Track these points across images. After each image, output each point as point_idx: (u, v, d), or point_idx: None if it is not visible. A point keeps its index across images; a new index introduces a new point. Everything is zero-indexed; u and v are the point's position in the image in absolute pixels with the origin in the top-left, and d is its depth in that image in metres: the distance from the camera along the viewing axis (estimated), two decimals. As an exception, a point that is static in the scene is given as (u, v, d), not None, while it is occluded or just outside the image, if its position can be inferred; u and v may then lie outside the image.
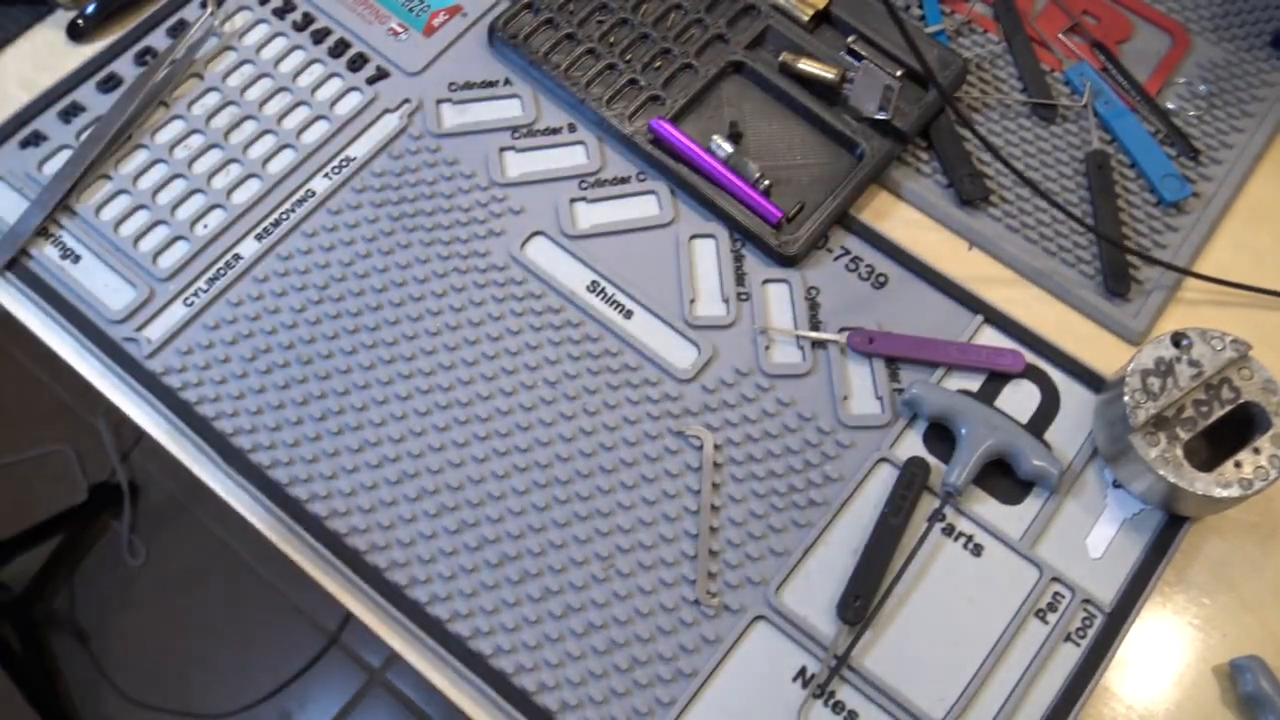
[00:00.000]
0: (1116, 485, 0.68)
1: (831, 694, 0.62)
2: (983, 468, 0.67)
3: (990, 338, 0.72)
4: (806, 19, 0.81)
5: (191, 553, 1.53)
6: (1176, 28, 0.84)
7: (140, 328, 0.70)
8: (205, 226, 0.74)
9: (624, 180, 0.77)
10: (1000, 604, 0.64)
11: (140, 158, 0.76)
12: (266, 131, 0.77)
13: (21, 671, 1.42)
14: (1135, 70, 0.82)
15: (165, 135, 0.77)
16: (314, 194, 0.75)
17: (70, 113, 0.77)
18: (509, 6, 0.82)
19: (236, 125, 0.77)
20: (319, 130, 0.78)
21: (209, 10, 0.81)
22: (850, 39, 0.80)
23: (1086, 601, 0.64)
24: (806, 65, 0.78)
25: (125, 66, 0.79)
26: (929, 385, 0.69)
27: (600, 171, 0.77)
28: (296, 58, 0.80)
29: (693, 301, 0.73)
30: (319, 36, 0.81)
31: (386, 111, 0.78)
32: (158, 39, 0.80)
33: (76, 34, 0.80)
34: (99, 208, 0.74)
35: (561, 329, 0.71)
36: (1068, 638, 0.64)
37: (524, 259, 0.73)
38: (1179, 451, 0.63)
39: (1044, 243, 0.75)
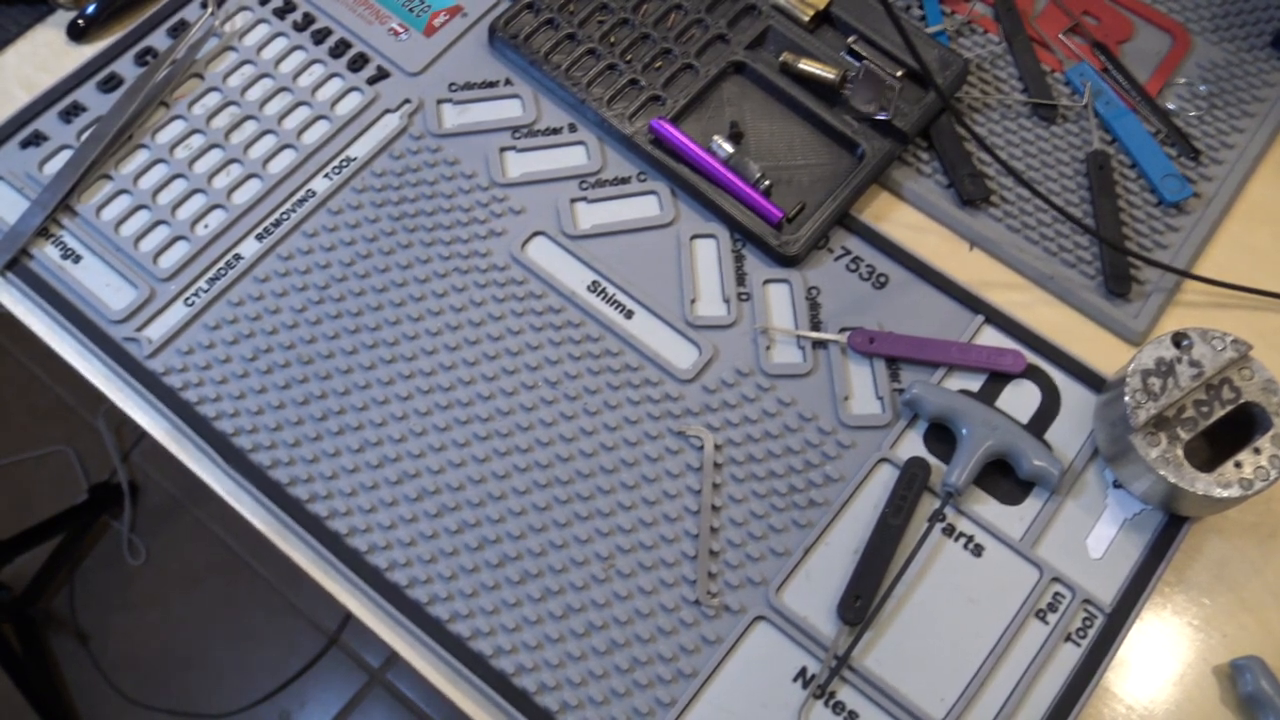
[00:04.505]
0: (1117, 485, 0.68)
1: (832, 694, 0.62)
2: (983, 468, 0.67)
3: (991, 338, 0.72)
4: (807, 19, 0.81)
5: (191, 553, 1.53)
6: (1177, 28, 0.84)
7: (141, 328, 0.70)
8: (206, 226, 0.74)
9: (625, 180, 0.77)
10: (1000, 604, 0.64)
11: (141, 158, 0.76)
12: (267, 131, 0.77)
13: (21, 671, 1.42)
14: (1136, 70, 0.82)
15: (166, 135, 0.77)
16: (314, 194, 0.75)
17: (71, 113, 0.77)
18: (509, 7, 0.82)
19: (237, 125, 0.77)
20: (319, 130, 0.78)
21: (209, 10, 0.81)
22: (851, 39, 0.80)
23: (1087, 602, 0.64)
24: (807, 65, 0.78)
25: (126, 66, 0.79)
26: (930, 385, 0.69)
27: (601, 172, 0.77)
28: (297, 58, 0.80)
29: (693, 301, 0.73)
30: (319, 37, 0.81)
31: (387, 112, 0.79)
32: (158, 39, 0.81)
33: (77, 34, 0.80)
34: (100, 208, 0.74)
35: (562, 329, 0.71)
36: (1068, 638, 0.64)
37: (525, 259, 0.73)
38: (1179, 452, 0.63)
39: (1045, 243, 0.75)
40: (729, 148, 0.75)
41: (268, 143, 0.77)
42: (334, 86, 0.79)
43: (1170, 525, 0.67)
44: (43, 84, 0.79)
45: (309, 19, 0.82)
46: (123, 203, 0.74)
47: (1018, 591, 0.65)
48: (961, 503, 0.67)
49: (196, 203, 0.75)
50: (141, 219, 0.74)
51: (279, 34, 0.81)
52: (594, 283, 0.73)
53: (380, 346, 0.70)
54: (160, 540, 1.54)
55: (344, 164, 0.76)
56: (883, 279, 0.74)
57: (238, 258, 0.73)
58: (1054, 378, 0.71)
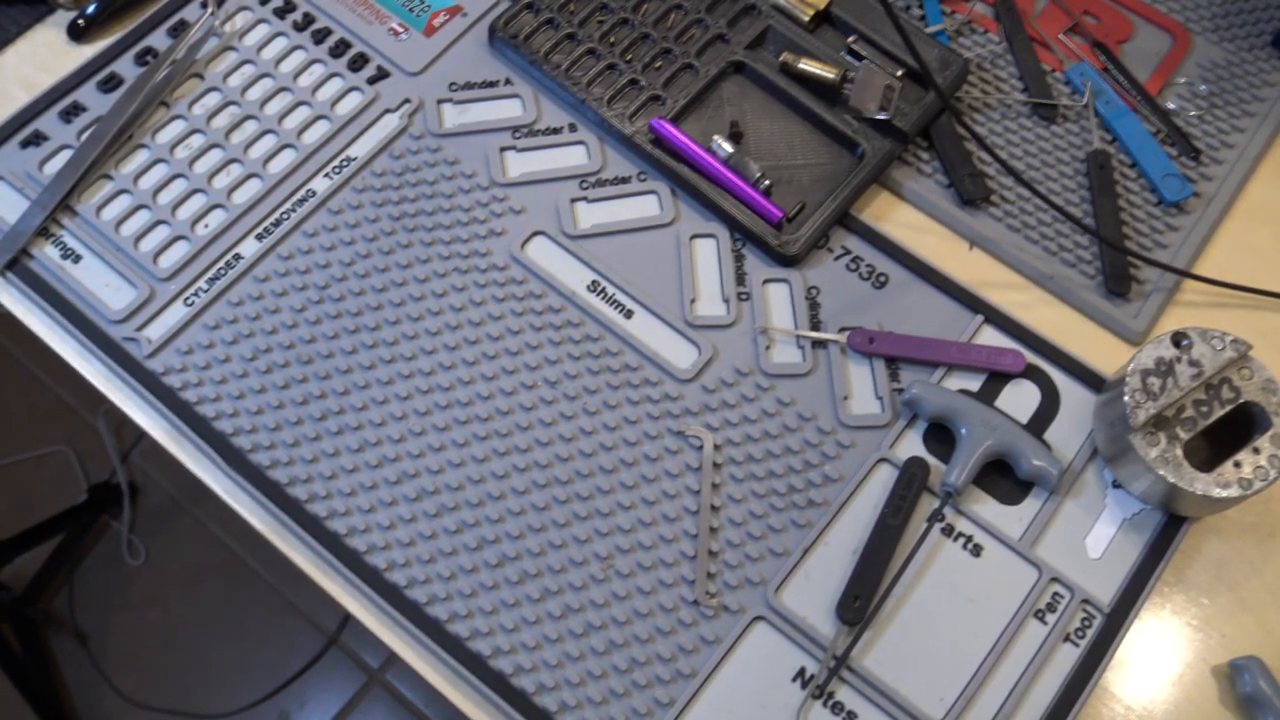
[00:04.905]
0: (1116, 485, 0.68)
1: (831, 694, 0.62)
2: (982, 468, 0.67)
3: (991, 338, 0.72)
4: (807, 19, 0.81)
5: (191, 553, 1.53)
6: (1177, 28, 0.84)
7: (140, 327, 0.70)
8: (206, 226, 0.74)
9: (625, 180, 0.77)
10: (999, 604, 0.64)
11: (141, 158, 0.76)
12: (267, 131, 0.77)
13: (21, 671, 1.42)
14: (1136, 70, 0.82)
15: (166, 135, 0.77)
16: (315, 194, 0.75)
17: (71, 113, 0.77)
18: (509, 6, 0.82)
19: (237, 125, 0.77)
20: (320, 130, 0.78)
21: (209, 10, 0.81)
22: (851, 39, 0.80)
23: (1086, 602, 0.64)
24: (807, 65, 0.78)
25: (126, 66, 0.79)
26: (929, 385, 0.69)
27: (601, 171, 0.77)
28: (297, 58, 0.80)
29: (693, 301, 0.73)
30: (320, 36, 0.81)
31: (387, 111, 0.79)
32: (158, 39, 0.81)
33: (77, 34, 0.81)
34: (100, 207, 0.74)
35: (562, 329, 0.71)
36: (1067, 638, 0.64)
37: (524, 259, 0.73)
38: (1179, 451, 0.63)
39: (1045, 243, 0.75)
40: (729, 147, 0.75)
41: (268, 142, 0.77)
42: (334, 86, 0.79)
43: (1169, 525, 0.67)
44: (43, 84, 0.79)
45: (309, 19, 0.82)
46: (123, 202, 0.75)
47: (1017, 591, 0.65)
48: (961, 503, 0.67)
49: (196, 202, 0.75)
50: (141, 219, 0.74)
51: (279, 34, 0.81)
52: (594, 282, 0.73)
53: (380, 346, 0.70)
54: (160, 540, 1.54)
55: (344, 164, 0.76)
56: (882, 279, 0.74)
57: (238, 258, 0.73)
58: (1053, 377, 0.71)
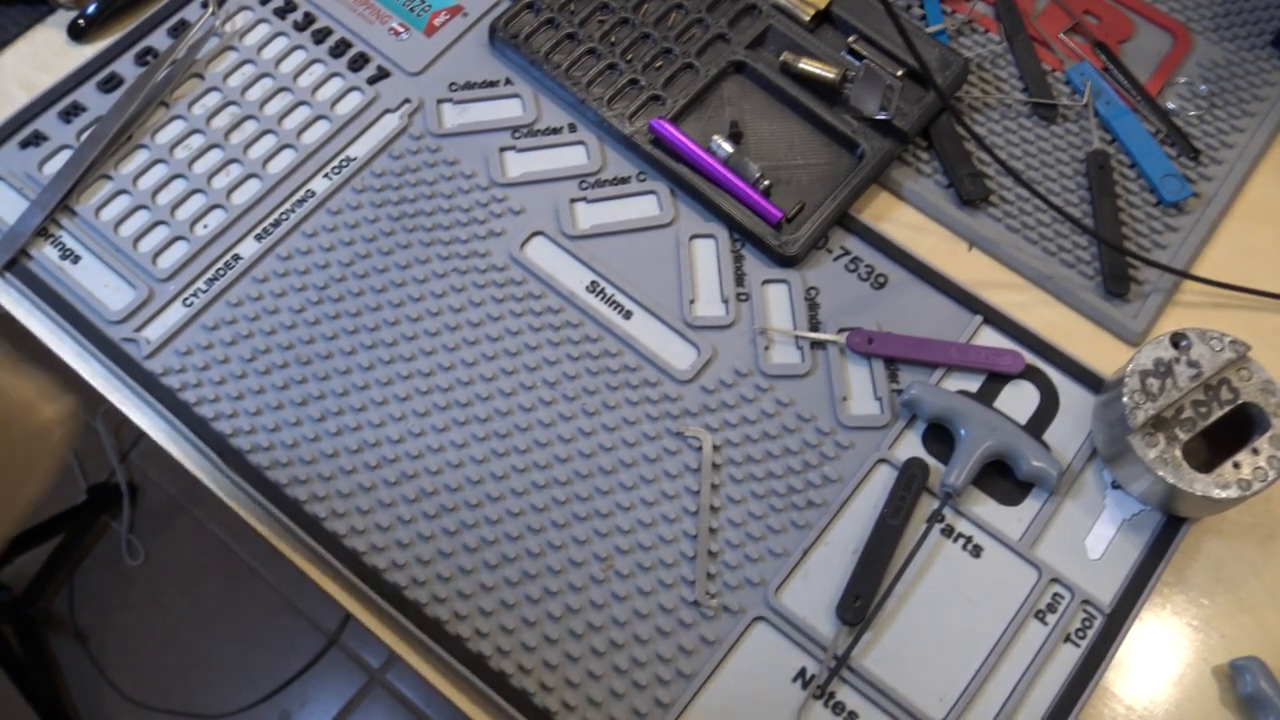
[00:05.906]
0: (1115, 486, 0.68)
1: (831, 695, 0.62)
2: (982, 468, 0.67)
3: (990, 338, 0.72)
4: (807, 19, 0.81)
5: (191, 553, 1.53)
6: (1178, 27, 0.84)
7: (139, 328, 0.70)
8: (205, 227, 0.74)
9: (624, 180, 0.77)
10: (1000, 605, 0.64)
11: (140, 158, 0.76)
12: (267, 131, 0.77)
13: (21, 671, 1.42)
14: (1136, 70, 0.82)
15: (166, 135, 0.77)
16: (314, 194, 0.75)
17: (71, 113, 0.77)
18: (510, 6, 0.82)
19: (237, 125, 0.77)
20: (319, 130, 0.78)
21: (210, 10, 0.81)
22: (851, 39, 0.80)
23: (1086, 602, 0.64)
24: (807, 65, 0.78)
25: (126, 66, 0.79)
26: (928, 386, 0.69)
27: (600, 171, 0.77)
28: (297, 58, 0.80)
29: (692, 302, 0.73)
30: (320, 36, 0.81)
31: (387, 111, 0.78)
32: (158, 39, 0.81)
33: (77, 34, 0.81)
34: (99, 208, 0.74)
35: (561, 329, 0.71)
36: (1067, 638, 0.64)
37: (524, 259, 0.73)
38: (1178, 452, 0.63)
39: (1044, 243, 0.75)
40: (729, 147, 0.75)
41: (268, 143, 0.77)
42: (334, 86, 0.79)
43: (1169, 526, 0.67)
44: (43, 84, 0.79)
45: (309, 19, 0.82)
46: (122, 203, 0.74)
47: (1017, 592, 0.65)
48: (960, 503, 0.67)
49: (196, 203, 0.75)
50: (141, 219, 0.74)
51: (279, 34, 0.81)
52: (593, 283, 0.73)
53: (379, 347, 0.70)
54: (159, 541, 1.54)
55: (344, 164, 0.76)
56: (882, 279, 0.74)
57: (237, 258, 0.73)
58: (1052, 378, 0.71)
